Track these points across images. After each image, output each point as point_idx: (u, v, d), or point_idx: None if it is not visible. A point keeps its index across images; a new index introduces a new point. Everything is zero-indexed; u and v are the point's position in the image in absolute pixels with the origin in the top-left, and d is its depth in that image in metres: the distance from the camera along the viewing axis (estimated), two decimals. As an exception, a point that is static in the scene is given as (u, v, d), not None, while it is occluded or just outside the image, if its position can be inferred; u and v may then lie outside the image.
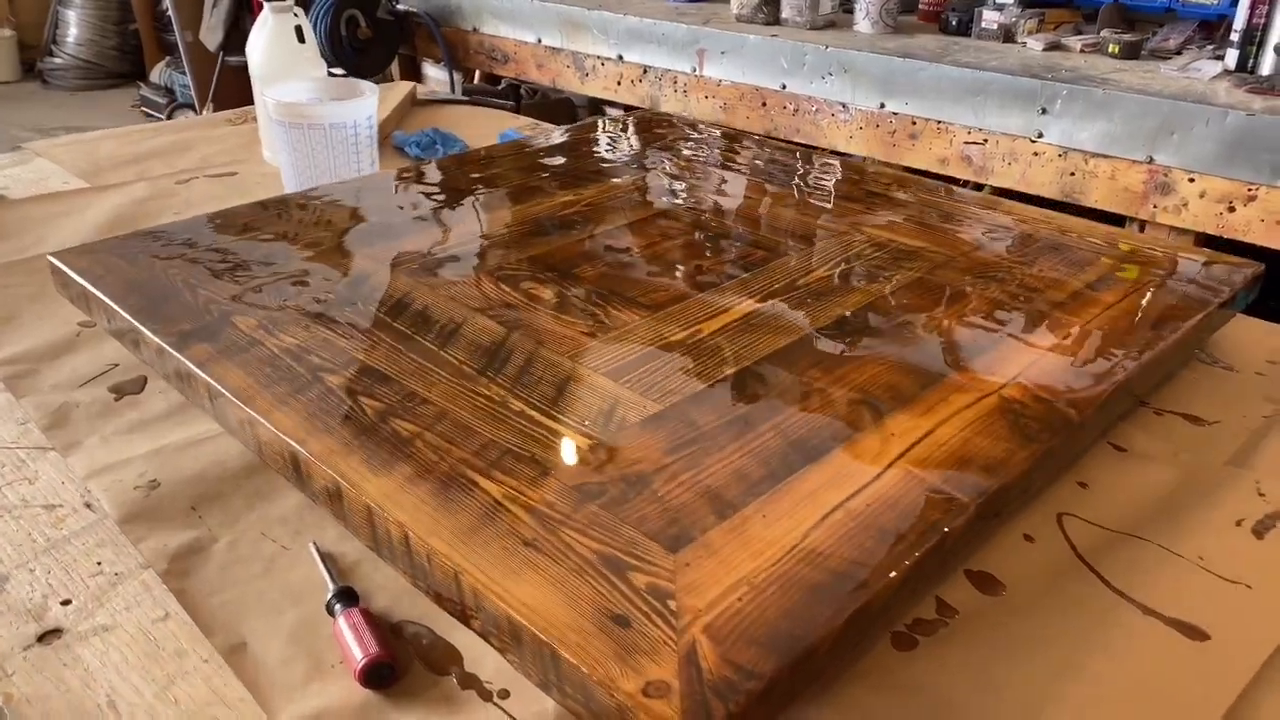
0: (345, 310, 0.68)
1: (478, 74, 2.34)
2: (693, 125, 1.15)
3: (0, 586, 0.54)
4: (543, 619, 0.42)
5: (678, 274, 0.75)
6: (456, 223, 0.84)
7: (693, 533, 0.48)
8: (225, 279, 0.72)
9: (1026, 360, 0.63)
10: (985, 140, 1.51)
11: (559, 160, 1.01)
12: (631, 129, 1.13)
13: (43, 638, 0.52)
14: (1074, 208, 1.42)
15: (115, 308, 0.68)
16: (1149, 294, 0.73)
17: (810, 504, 0.50)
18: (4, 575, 0.55)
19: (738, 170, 1.00)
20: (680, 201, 0.90)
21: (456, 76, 2.24)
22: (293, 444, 0.54)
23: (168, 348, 0.63)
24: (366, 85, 1.09)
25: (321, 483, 0.53)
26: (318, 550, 0.56)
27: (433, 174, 0.97)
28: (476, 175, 0.96)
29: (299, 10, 1.14)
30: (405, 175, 0.96)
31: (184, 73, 3.31)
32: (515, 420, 0.56)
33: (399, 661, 0.49)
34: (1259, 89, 1.37)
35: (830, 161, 1.03)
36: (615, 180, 0.95)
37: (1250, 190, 1.31)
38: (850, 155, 1.63)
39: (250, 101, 1.24)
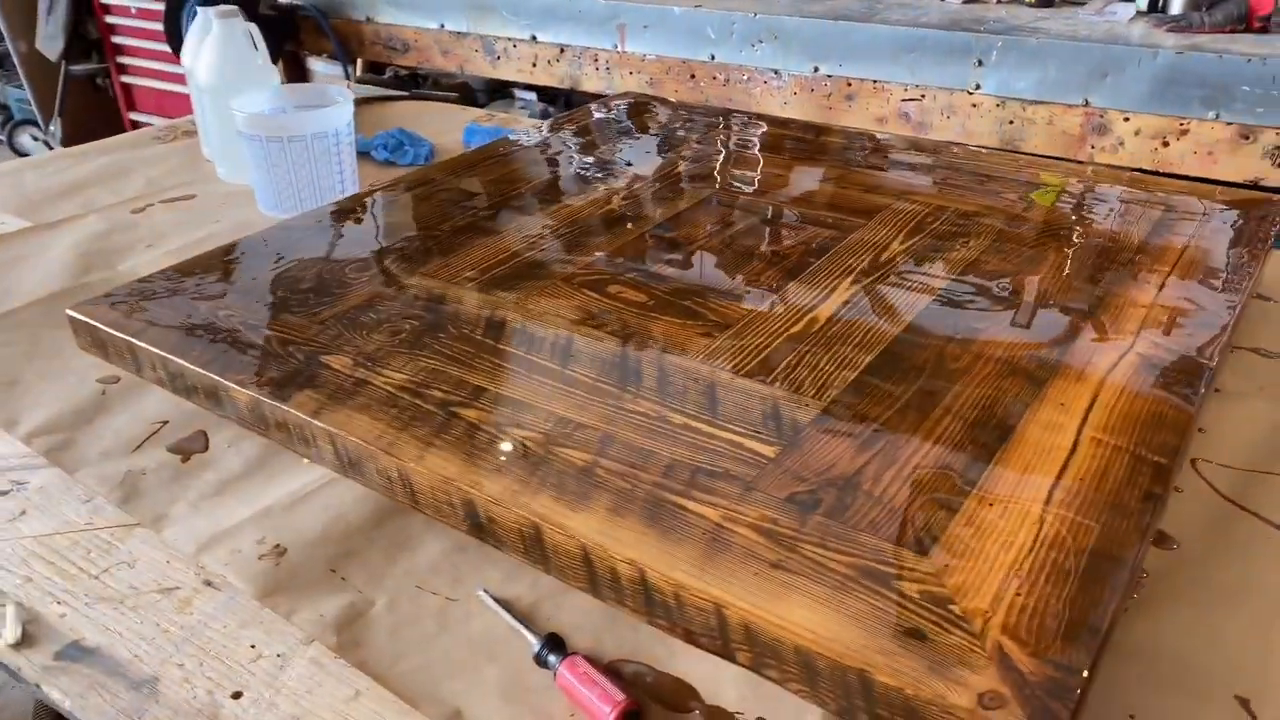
0: (439, 336, 0.63)
1: (360, 65, 2.24)
2: (686, 107, 1.13)
3: (153, 689, 0.49)
4: (837, 643, 0.41)
5: (757, 261, 0.73)
6: (503, 231, 0.80)
7: (932, 532, 0.46)
8: (288, 315, 0.66)
9: (1140, 315, 0.65)
10: (922, 96, 1.54)
11: (575, 154, 0.97)
12: (627, 115, 1.09)
13: (229, 739, 0.47)
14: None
15: (182, 363, 0.61)
16: (1216, 238, 0.76)
17: (1027, 486, 0.49)
18: (152, 676, 0.49)
19: (760, 149, 0.98)
20: (721, 185, 0.88)
21: (351, 71, 2.14)
22: (467, 489, 0.50)
23: (267, 400, 0.57)
24: (334, 90, 1.03)
25: (513, 527, 0.49)
26: (492, 597, 0.53)
27: (455, 182, 0.91)
28: (497, 178, 0.91)
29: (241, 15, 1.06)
30: (424, 185, 0.90)
31: (20, 86, 3.05)
32: (685, 435, 0.54)
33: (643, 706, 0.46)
34: (1177, 27, 1.44)
35: (839, 132, 1.03)
36: (642, 170, 0.92)
37: (1182, 125, 1.38)
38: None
39: (105, 115, 1.14)
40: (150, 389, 0.69)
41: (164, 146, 1.21)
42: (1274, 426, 0.65)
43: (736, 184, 0.89)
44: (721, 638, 0.44)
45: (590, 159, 0.96)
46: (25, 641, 0.51)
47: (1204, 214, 0.80)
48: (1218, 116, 1.34)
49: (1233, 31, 1.43)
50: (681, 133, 1.03)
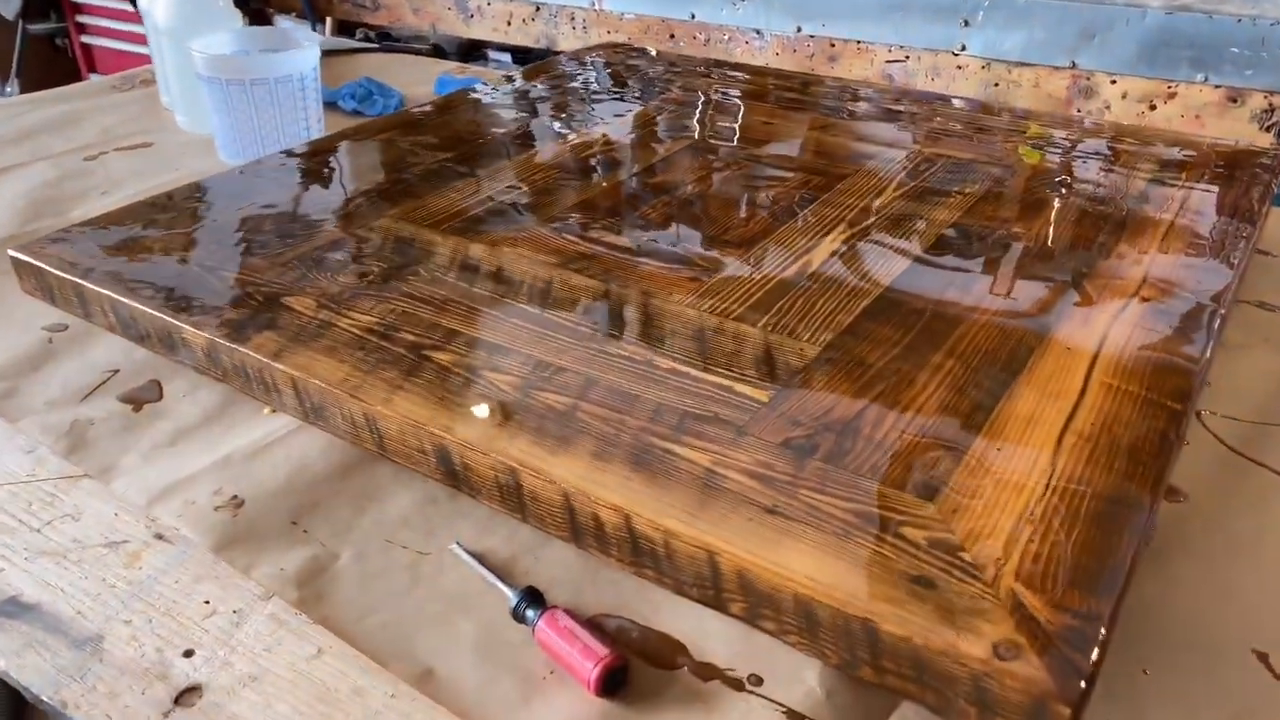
0: (409, 279, 0.60)
1: (329, 24, 2.18)
2: (664, 56, 1.09)
3: (97, 647, 0.45)
4: (840, 591, 0.38)
5: (744, 208, 0.70)
6: (477, 177, 0.76)
7: (938, 476, 0.44)
8: (247, 256, 0.62)
9: (1144, 261, 0.62)
10: (907, 57, 1.51)
11: (549, 102, 0.93)
12: (602, 63, 1.05)
13: (180, 699, 0.43)
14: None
15: (134, 304, 0.57)
16: (1218, 186, 0.73)
17: (1037, 429, 0.46)
18: (96, 634, 0.46)
19: (741, 97, 0.95)
20: (703, 133, 0.85)
21: (320, 29, 2.08)
22: (440, 434, 0.46)
23: (223, 342, 0.53)
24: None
25: (489, 474, 0.46)
26: (466, 551, 0.49)
27: (426, 127, 0.87)
28: (470, 124, 0.87)
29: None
30: (393, 128, 0.86)
31: (-25, 46, 2.95)
32: (673, 379, 0.50)
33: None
34: (1165, -12, 1.41)
35: (826, 81, 0.99)
36: (621, 117, 0.88)
37: (1170, 87, 1.36)
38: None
39: (64, 76, 1.09)
40: (100, 336, 0.65)
41: (121, 95, 1.15)
42: (1278, 380, 0.63)
43: (720, 132, 0.85)
44: (714, 587, 0.41)
45: (566, 107, 0.92)
46: (-42, 597, 0.48)
47: (1203, 167, 0.78)
48: (1206, 79, 1.32)
49: (1222, -8, 1.40)
50: (662, 81, 0.99)
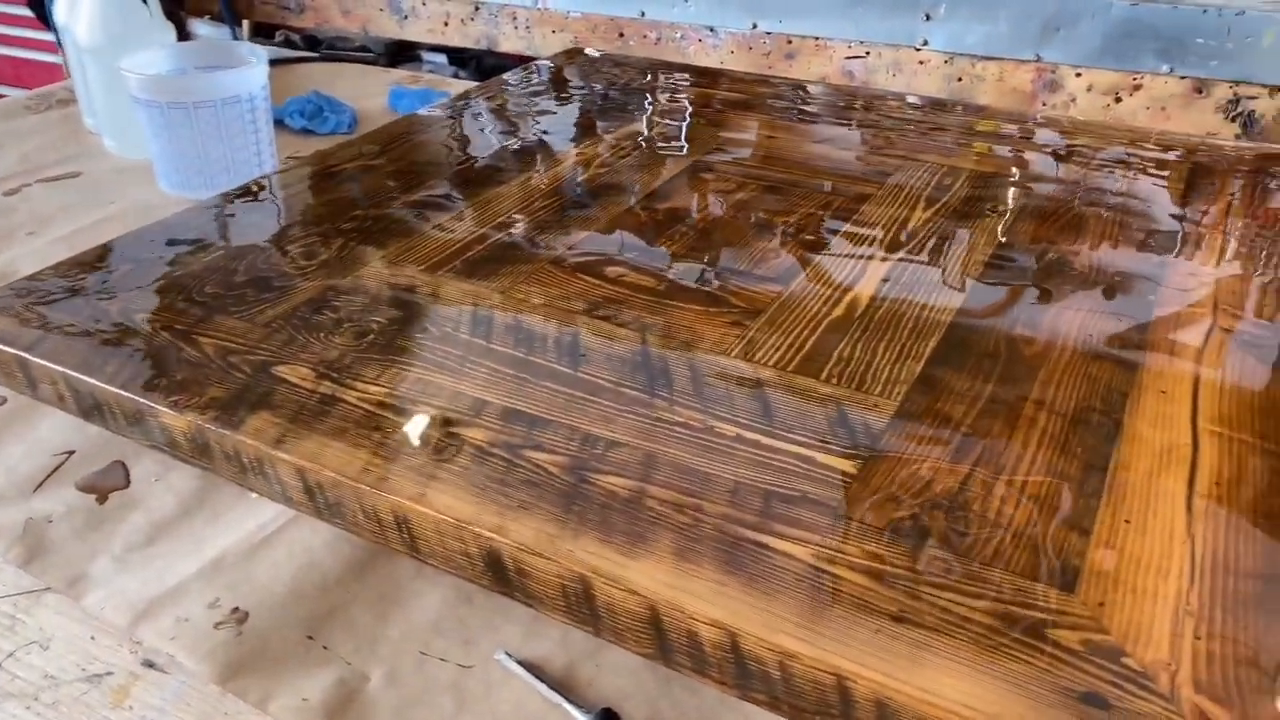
0: (415, 338, 0.52)
1: (246, 26, 2.05)
2: (646, 63, 1.03)
3: (91, 819, 0.37)
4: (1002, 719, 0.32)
5: (772, 236, 0.64)
6: (466, 208, 0.68)
7: (1071, 561, 0.38)
8: (221, 317, 0.54)
9: (1207, 280, 0.58)
10: (868, 53, 1.47)
11: (531, 117, 0.86)
12: (580, 72, 0.98)
13: None
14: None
15: (94, 383, 0.49)
16: (1257, 195, 0.70)
17: (1160, 496, 0.42)
18: (87, 800, 0.38)
19: (732, 108, 0.89)
20: (703, 149, 0.79)
21: (239, 33, 1.95)
22: (487, 534, 0.40)
23: (211, 427, 0.46)
24: (243, 48, 0.89)
25: (552, 581, 0.39)
26: (516, 661, 0.43)
27: (397, 152, 0.79)
28: (445, 146, 0.79)
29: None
30: (358, 154, 0.78)
31: None
32: (742, 450, 0.44)
33: (736, 799, 0.37)
34: (1125, -21, 1.39)
35: (817, 88, 0.94)
36: (613, 133, 0.82)
37: (1135, 80, 1.34)
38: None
39: None
40: (45, 410, 0.56)
41: (36, 117, 1.05)
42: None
43: (723, 147, 0.79)
44: (845, 715, 0.35)
45: (549, 122, 0.85)
46: (-91, 764, 0.39)
47: (1236, 169, 0.74)
48: (1171, 70, 1.31)
49: (1181, -18, 1.39)
50: (643, 92, 0.93)
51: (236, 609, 0.45)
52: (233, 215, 0.67)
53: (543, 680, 0.42)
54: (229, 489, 0.52)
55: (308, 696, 0.41)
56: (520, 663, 0.43)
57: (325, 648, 0.43)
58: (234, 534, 0.49)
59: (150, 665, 0.43)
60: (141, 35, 0.90)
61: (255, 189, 0.71)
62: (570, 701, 0.41)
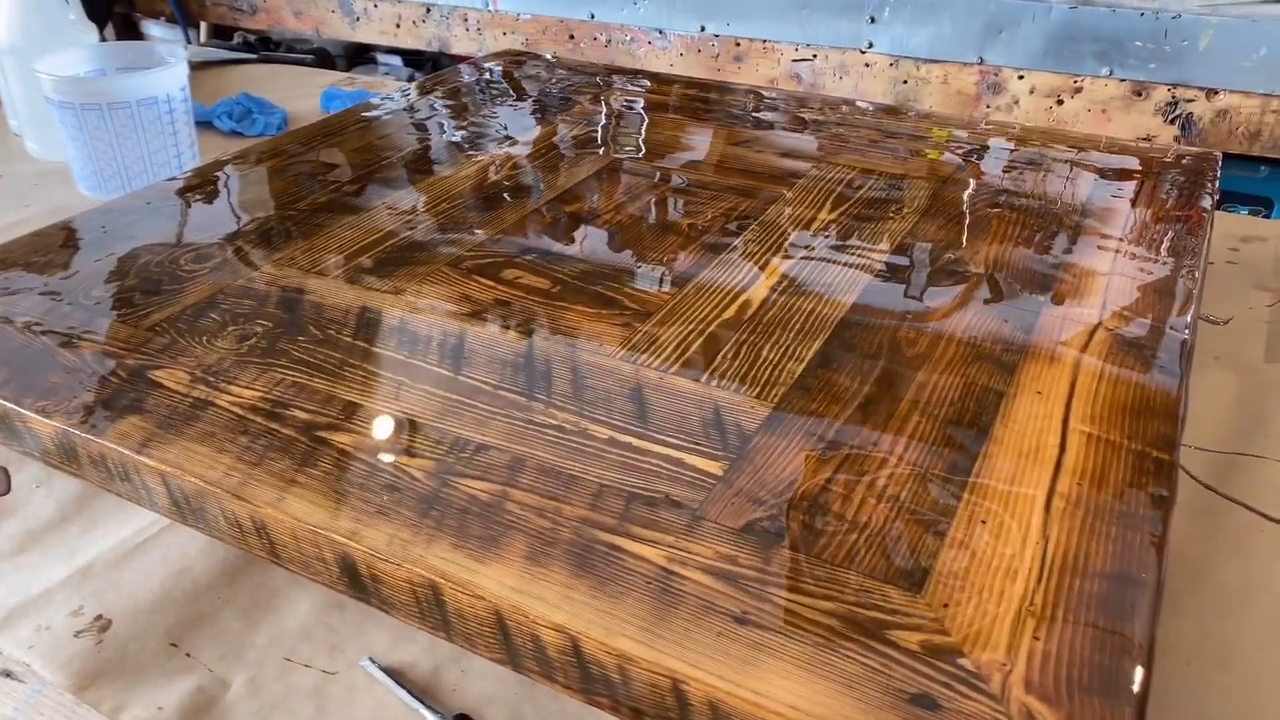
0: (298, 340, 0.52)
1: (204, 28, 2.04)
2: (564, 62, 1.03)
3: (-73, 832, 0.37)
4: (831, 723, 0.32)
5: (674, 236, 0.64)
6: (372, 209, 0.68)
7: (921, 562, 0.38)
8: (108, 320, 0.53)
9: (1100, 285, 0.58)
10: (814, 56, 1.47)
11: (449, 119, 0.86)
12: (504, 75, 0.98)
13: None
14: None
15: (-35, 385, 0.48)
16: (1163, 195, 0.70)
17: (1018, 497, 0.42)
18: (-74, 812, 0.37)
19: (654, 109, 0.89)
20: (617, 151, 0.78)
21: (194, 35, 1.94)
22: (341, 540, 0.39)
23: (77, 432, 0.45)
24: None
25: (403, 587, 0.39)
26: (380, 667, 0.42)
27: (312, 153, 0.79)
28: (363, 147, 0.79)
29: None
30: (274, 154, 0.77)
31: None
32: (611, 452, 0.44)
33: (582, 804, 0.37)
34: (1067, -18, 1.40)
35: (738, 91, 0.94)
36: (526, 136, 0.81)
37: (1076, 82, 1.35)
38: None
39: None
40: (-67, 418, 0.55)
41: (-41, 119, 1.03)
42: (1239, 399, 0.60)
43: (635, 150, 0.79)
44: (681, 719, 0.35)
45: (467, 124, 0.84)
46: None
47: (1142, 172, 0.75)
48: (1111, 73, 1.32)
49: (1122, -15, 1.40)
50: (566, 93, 0.92)
51: (100, 616, 0.44)
52: (133, 217, 0.66)
53: (404, 686, 0.42)
54: (111, 497, 0.51)
55: (163, 705, 0.41)
56: (384, 669, 0.42)
57: (189, 655, 0.43)
58: (108, 541, 0.49)
59: (7, 674, 0.42)
60: (62, 36, 0.89)
61: (166, 190, 0.70)
62: (429, 707, 0.41)
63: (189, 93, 0.85)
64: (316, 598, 0.46)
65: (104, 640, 0.43)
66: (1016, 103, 1.39)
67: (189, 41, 1.94)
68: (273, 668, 0.43)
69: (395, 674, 0.42)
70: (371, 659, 0.43)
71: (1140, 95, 1.31)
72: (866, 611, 0.36)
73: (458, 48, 1.70)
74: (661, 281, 0.58)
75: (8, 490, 0.52)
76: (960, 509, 0.41)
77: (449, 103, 0.90)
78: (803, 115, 0.87)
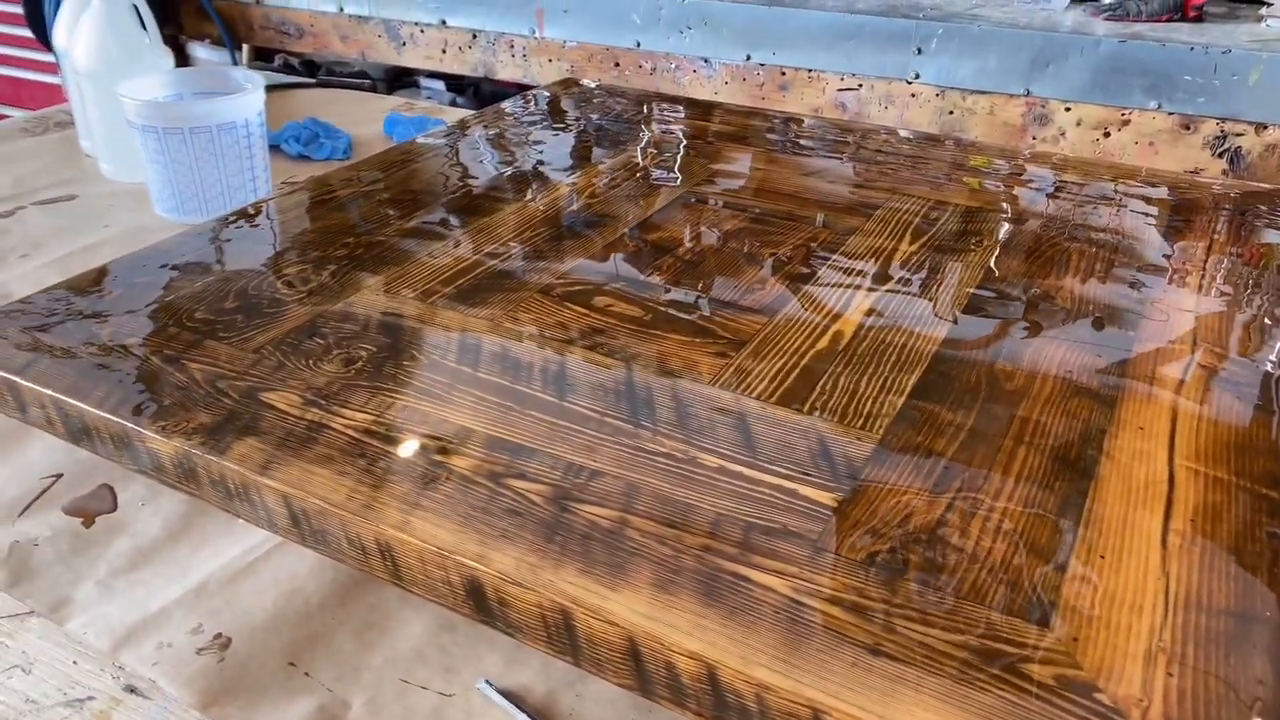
0: (404, 365, 0.53)
1: (247, 51, 2.07)
2: (639, 94, 1.04)
3: (68, 846, 0.37)
4: (976, 755, 0.33)
5: (759, 267, 0.65)
6: (457, 236, 0.69)
7: (1046, 595, 0.39)
8: (212, 342, 0.54)
9: (1189, 321, 0.59)
10: (859, 85, 1.48)
11: (524, 146, 0.87)
12: (575, 103, 1.00)
13: None
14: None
15: (84, 407, 0.49)
16: (1239, 233, 0.71)
17: (1135, 532, 0.42)
18: (65, 826, 0.38)
19: (724, 140, 0.90)
20: (692, 181, 0.79)
21: (239, 58, 1.97)
22: (469, 563, 0.40)
23: (198, 453, 0.46)
24: (239, 74, 0.90)
25: (532, 611, 0.39)
26: (496, 690, 0.43)
27: (392, 179, 0.80)
28: (439, 174, 0.80)
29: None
30: (352, 180, 0.79)
31: None
32: (723, 481, 0.45)
33: (712, 831, 0.37)
34: (1114, 15, 1.42)
35: (807, 120, 0.95)
36: (604, 164, 0.83)
37: (1124, 115, 1.36)
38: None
39: None
40: (35, 434, 0.56)
41: (33, 140, 1.05)
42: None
43: (709, 179, 0.80)
44: (820, 748, 0.35)
45: (542, 151, 0.86)
46: (-113, 788, 0.39)
47: (1211, 207, 0.76)
48: (1159, 106, 1.32)
49: (1168, 20, 1.41)
50: (635, 123, 0.94)
51: (219, 635, 0.45)
52: (227, 240, 0.67)
53: (523, 710, 0.42)
54: (215, 514, 0.52)
55: (288, 723, 0.41)
56: (501, 692, 0.43)
57: (307, 674, 0.44)
58: (219, 559, 0.49)
59: (132, 690, 0.43)
60: (139, 61, 0.91)
61: (250, 214, 0.72)
62: (550, 731, 0.41)
63: (265, 118, 0.87)
64: (428, 618, 0.46)
65: (225, 659, 0.44)
66: (1063, 134, 1.40)
67: (236, 64, 1.97)
68: (390, 689, 0.43)
69: (513, 697, 0.43)
70: (488, 681, 0.43)
71: (1188, 129, 1.32)
72: (998, 644, 0.37)
73: (503, 74, 1.72)
74: (751, 311, 0.59)
75: (114, 508, 0.53)
76: (1077, 544, 0.41)
77: (516, 132, 0.91)
78: (871, 146, 0.88)
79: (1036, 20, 1.41)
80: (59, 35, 0.94)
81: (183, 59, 2.14)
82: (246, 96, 0.84)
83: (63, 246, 0.81)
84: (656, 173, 0.81)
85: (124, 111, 0.82)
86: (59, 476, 0.55)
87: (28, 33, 1.87)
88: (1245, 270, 0.65)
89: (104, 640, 0.45)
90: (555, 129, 0.92)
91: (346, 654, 0.45)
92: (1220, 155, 1.31)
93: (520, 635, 0.41)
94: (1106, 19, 1.41)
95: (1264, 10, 1.32)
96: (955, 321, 0.58)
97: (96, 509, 0.53)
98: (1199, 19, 1.38)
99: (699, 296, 0.61)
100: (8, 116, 1.44)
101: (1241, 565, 0.40)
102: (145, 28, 0.92)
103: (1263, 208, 0.75)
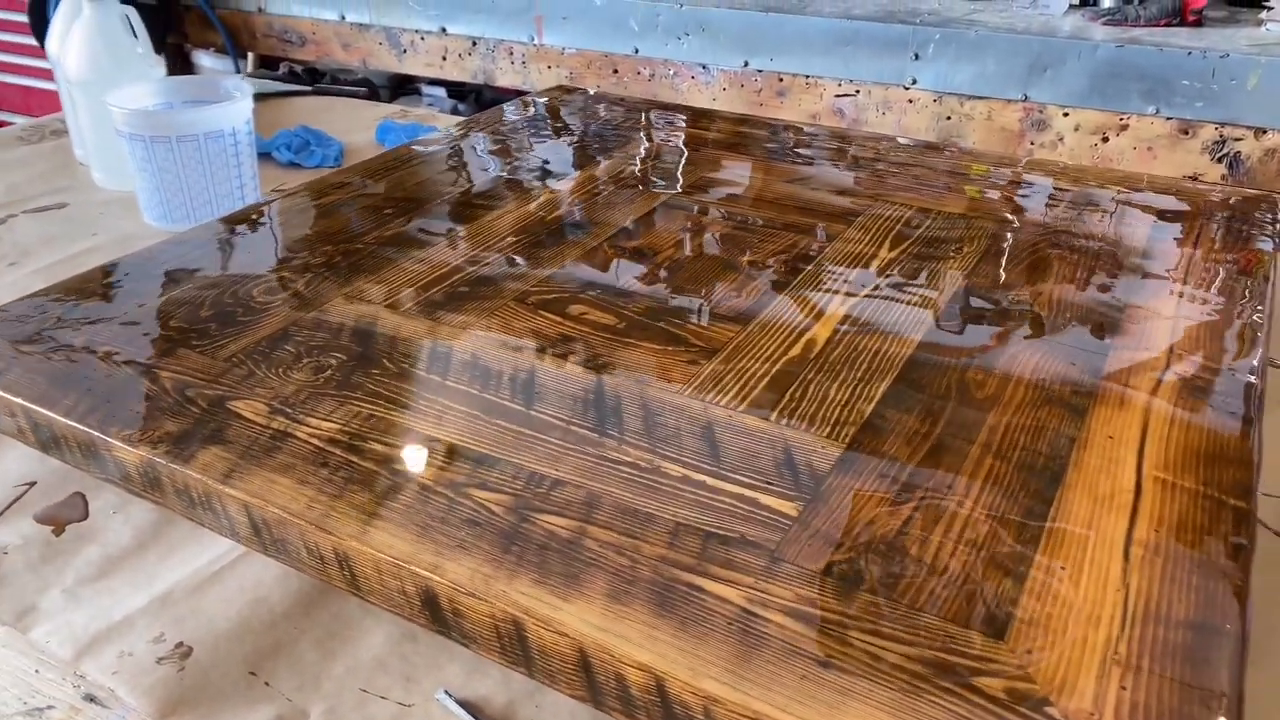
0: (372, 374, 0.53)
1: (251, 59, 2.08)
2: (627, 101, 1.04)
3: None
4: (922, 770, 0.32)
5: (736, 273, 0.65)
6: (436, 243, 0.69)
7: (1004, 607, 0.38)
8: (184, 351, 0.55)
9: (1165, 328, 0.58)
10: (857, 91, 1.48)
11: (510, 154, 0.87)
12: (563, 110, 1.00)
13: None
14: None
15: (52, 415, 0.49)
16: (1225, 237, 0.70)
17: (1098, 543, 0.42)
18: (17, 836, 0.38)
19: (711, 146, 0.90)
20: (677, 187, 0.79)
21: (243, 65, 1.98)
22: (423, 573, 0.40)
23: (162, 461, 0.46)
24: (229, 82, 0.90)
25: (485, 622, 0.39)
26: (455, 700, 0.43)
27: (375, 186, 0.80)
28: (424, 181, 0.80)
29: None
30: (337, 187, 0.79)
31: None
32: (685, 490, 0.45)
33: (663, 844, 0.37)
34: (1112, 20, 1.41)
35: (794, 128, 0.95)
36: (588, 171, 0.83)
37: (1122, 120, 1.35)
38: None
39: None
40: (9, 442, 0.57)
41: (28, 148, 1.06)
42: (1306, 447, 0.60)
43: (692, 185, 0.80)
44: (767, 762, 0.35)
45: (526, 159, 0.86)
46: None
47: (1202, 213, 0.75)
48: (1158, 111, 1.32)
49: (1167, 25, 1.41)
50: (625, 130, 0.94)
51: (180, 644, 0.45)
52: (204, 249, 0.67)
53: (481, 719, 0.42)
54: (186, 523, 0.52)
55: (245, 733, 0.41)
56: (460, 702, 0.43)
57: (267, 684, 0.44)
58: (186, 568, 0.50)
59: (91, 699, 0.43)
60: (130, 69, 0.91)
61: (231, 221, 0.72)
62: (506, 742, 0.41)
63: (253, 126, 0.87)
64: (391, 628, 0.46)
65: (185, 668, 0.44)
66: (1061, 140, 1.39)
67: (238, 71, 1.98)
68: (350, 698, 0.43)
69: (471, 708, 0.43)
70: (447, 692, 0.43)
71: (1187, 134, 1.31)
72: (950, 657, 0.36)
73: (503, 80, 1.73)
74: (725, 319, 0.59)
75: (85, 516, 0.54)
76: (1038, 555, 0.41)
77: (505, 138, 0.91)
78: (857, 153, 0.88)
79: (1034, 25, 1.41)
80: (52, 43, 0.95)
81: (188, 67, 2.15)
82: (234, 105, 0.84)
83: (51, 255, 0.82)
84: (640, 180, 0.81)
85: (112, 120, 0.82)
86: (32, 484, 0.55)
87: (35, 41, 1.89)
88: (1230, 278, 0.65)
89: (66, 649, 0.45)
90: (544, 136, 0.92)
91: (308, 663, 0.45)
92: (1219, 160, 1.30)
93: (475, 646, 0.40)
94: (1104, 24, 1.40)
95: (1264, 14, 1.31)
96: (932, 328, 0.58)
97: (68, 517, 0.53)
98: (1198, 23, 1.38)
99: (675, 304, 0.61)
100: (12, 124, 1.46)
101: (1204, 576, 0.40)
102: (136, 36, 0.92)
103: (1255, 214, 0.75)
